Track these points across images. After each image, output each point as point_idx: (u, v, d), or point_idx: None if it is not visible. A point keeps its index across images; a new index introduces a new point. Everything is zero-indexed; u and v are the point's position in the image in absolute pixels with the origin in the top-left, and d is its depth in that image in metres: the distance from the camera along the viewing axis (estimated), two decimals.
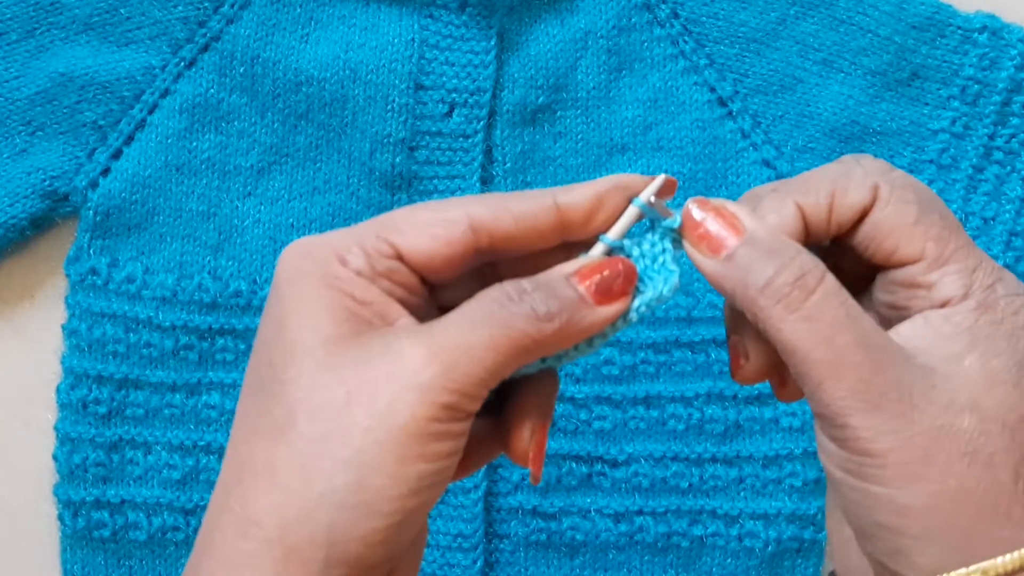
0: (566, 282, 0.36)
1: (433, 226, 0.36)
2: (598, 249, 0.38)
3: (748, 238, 0.37)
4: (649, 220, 0.38)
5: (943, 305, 0.37)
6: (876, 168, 0.38)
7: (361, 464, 0.33)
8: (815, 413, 0.36)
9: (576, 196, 0.38)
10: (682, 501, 0.64)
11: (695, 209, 0.38)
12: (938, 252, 0.37)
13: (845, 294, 0.36)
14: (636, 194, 0.38)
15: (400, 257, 0.36)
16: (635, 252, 0.38)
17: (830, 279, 0.36)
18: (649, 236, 0.38)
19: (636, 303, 0.37)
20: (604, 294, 0.36)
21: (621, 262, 0.37)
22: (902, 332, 0.37)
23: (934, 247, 0.37)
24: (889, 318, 0.39)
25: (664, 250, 0.38)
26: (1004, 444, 0.34)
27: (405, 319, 0.36)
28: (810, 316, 0.35)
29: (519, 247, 0.37)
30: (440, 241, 0.36)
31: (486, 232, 0.36)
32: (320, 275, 0.36)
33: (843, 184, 0.38)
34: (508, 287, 0.36)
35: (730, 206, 0.38)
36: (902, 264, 0.37)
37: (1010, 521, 0.34)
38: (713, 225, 0.37)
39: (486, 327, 0.35)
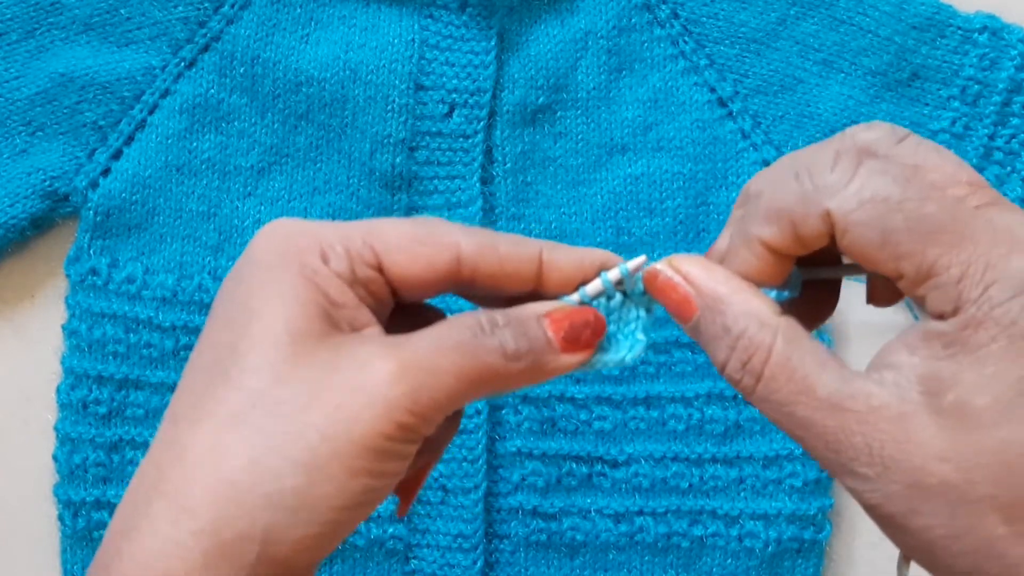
0: (537, 322, 0.36)
1: (421, 246, 0.36)
2: (574, 298, 0.38)
3: (701, 311, 0.37)
4: (624, 289, 0.38)
5: (942, 316, 0.33)
6: (835, 180, 0.35)
7: (313, 469, 0.32)
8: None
9: (561, 258, 0.37)
10: (682, 501, 0.64)
11: (648, 282, 0.38)
12: (914, 269, 0.33)
13: (797, 359, 0.34)
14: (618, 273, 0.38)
15: (380, 268, 0.36)
16: (609, 311, 0.38)
17: (777, 350, 0.35)
18: (624, 300, 0.38)
19: (596, 358, 0.38)
20: (571, 342, 0.36)
21: (593, 314, 0.37)
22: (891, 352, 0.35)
23: (908, 266, 0.33)
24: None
25: (637, 317, 0.39)
26: (987, 491, 0.32)
27: (374, 328, 0.36)
28: (764, 399, 0.35)
29: (496, 286, 0.37)
30: (423, 263, 0.36)
31: (470, 265, 0.36)
32: (299, 265, 0.35)
33: (799, 213, 0.35)
34: (482, 317, 0.35)
35: (685, 265, 0.37)
36: (893, 278, 0.35)
37: (1004, 563, 0.32)
38: (672, 297, 0.37)
39: (456, 354, 0.34)
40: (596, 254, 0.38)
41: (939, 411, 0.32)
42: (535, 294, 0.38)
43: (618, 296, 0.38)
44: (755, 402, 0.35)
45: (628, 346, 0.38)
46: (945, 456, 0.32)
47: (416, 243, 0.36)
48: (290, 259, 0.35)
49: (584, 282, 0.38)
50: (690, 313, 0.37)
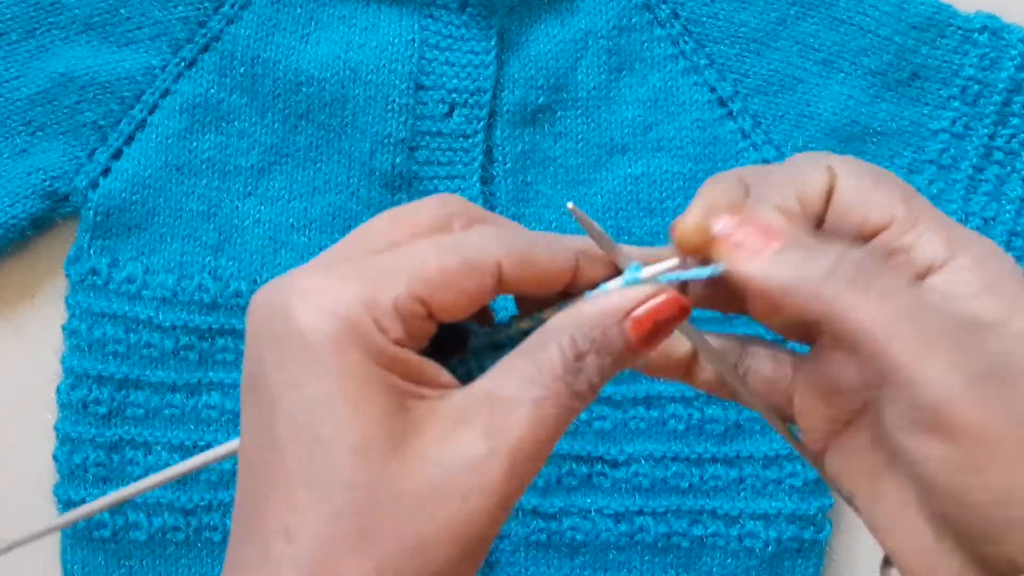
0: (619, 330, 0.34)
1: (464, 280, 0.33)
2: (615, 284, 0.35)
3: (791, 237, 0.34)
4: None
5: (928, 271, 0.33)
6: (821, 154, 0.37)
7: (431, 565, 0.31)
8: (898, 406, 0.32)
9: (598, 267, 0.36)
10: (682, 501, 0.64)
11: (727, 221, 0.35)
12: (906, 211, 0.34)
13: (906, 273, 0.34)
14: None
15: (430, 314, 0.33)
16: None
17: (881, 263, 0.33)
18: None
19: None
20: (649, 341, 0.34)
21: (678, 302, 0.34)
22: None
23: (901, 207, 0.34)
24: None
25: None
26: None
27: (444, 377, 0.33)
28: (887, 293, 0.32)
29: (530, 293, 0.36)
30: (467, 297, 0.33)
31: (511, 283, 0.34)
32: (361, 349, 0.31)
33: (800, 177, 0.36)
34: (569, 354, 0.33)
35: (756, 213, 0.35)
36: (875, 232, 0.35)
37: None
38: (750, 230, 0.34)
39: (553, 410, 0.33)
40: (632, 252, 0.36)
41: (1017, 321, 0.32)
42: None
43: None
44: (874, 299, 0.32)
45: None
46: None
47: (460, 278, 0.33)
48: (348, 343, 0.31)
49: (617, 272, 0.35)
50: (773, 244, 0.34)
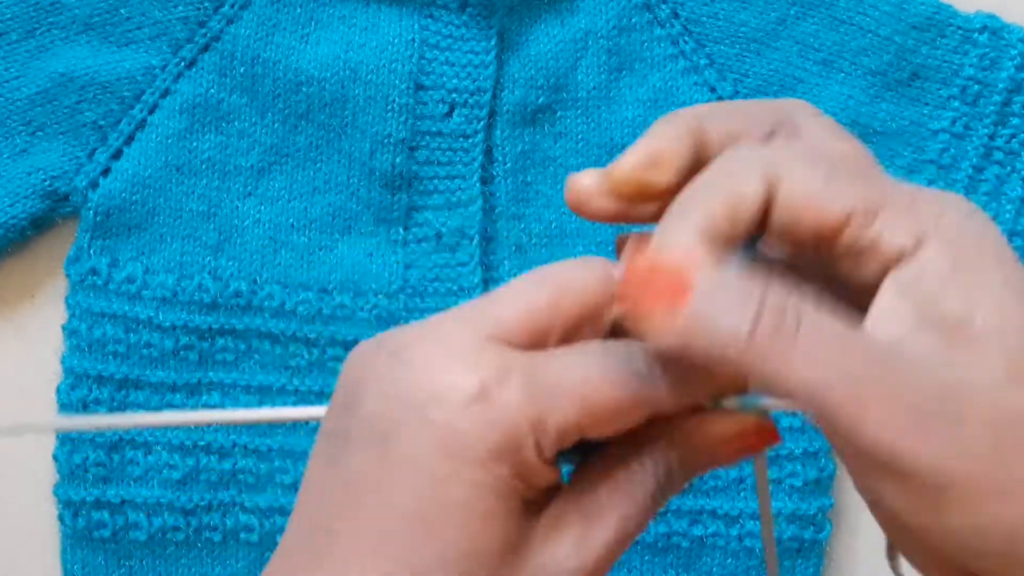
0: (711, 455, 0.33)
1: (630, 413, 0.32)
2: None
3: (705, 284, 0.30)
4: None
5: (899, 261, 0.31)
6: (757, 146, 0.33)
7: None
8: (858, 468, 0.31)
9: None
10: (682, 501, 0.64)
11: (631, 268, 0.31)
12: (865, 204, 0.31)
13: (826, 311, 0.30)
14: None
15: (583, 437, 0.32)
16: None
17: (807, 304, 0.30)
18: None
19: None
20: (731, 461, 0.34)
21: (772, 437, 0.33)
22: (880, 306, 0.31)
23: (858, 200, 0.31)
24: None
25: None
26: None
27: (557, 474, 0.33)
28: (815, 342, 0.29)
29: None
30: (625, 426, 0.32)
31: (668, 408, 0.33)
32: (515, 464, 0.31)
33: (732, 185, 0.32)
34: (662, 474, 0.33)
35: (669, 243, 0.31)
36: (835, 233, 0.31)
37: None
38: (655, 285, 0.30)
39: (638, 523, 0.33)
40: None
41: (983, 330, 0.30)
42: None
43: None
44: (801, 365, 0.30)
45: None
46: (1013, 377, 0.29)
47: (626, 415, 0.32)
48: (504, 459, 0.30)
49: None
50: (682, 300, 0.30)
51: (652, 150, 0.34)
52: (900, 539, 0.33)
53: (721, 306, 0.29)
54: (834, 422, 0.29)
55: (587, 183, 0.35)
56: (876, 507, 0.33)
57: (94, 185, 0.64)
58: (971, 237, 0.31)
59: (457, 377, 0.31)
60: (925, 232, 0.30)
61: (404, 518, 0.30)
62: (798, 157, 0.32)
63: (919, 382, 0.29)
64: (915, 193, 0.31)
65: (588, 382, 0.31)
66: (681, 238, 0.31)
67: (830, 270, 0.33)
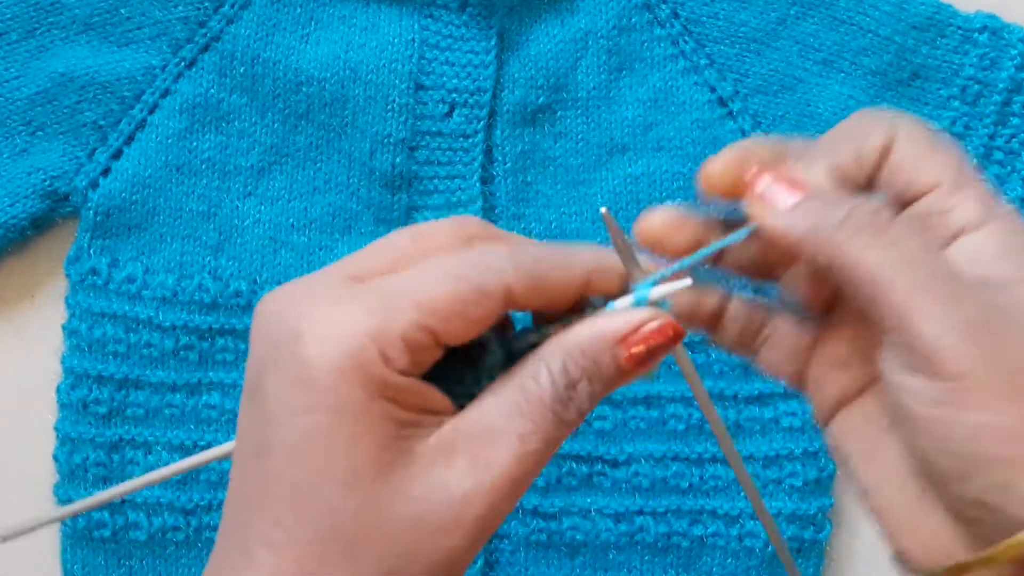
0: (611, 355, 0.34)
1: (474, 307, 0.33)
2: (627, 301, 0.35)
3: (814, 189, 0.36)
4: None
5: (961, 233, 0.35)
6: (883, 111, 0.38)
7: None
8: (892, 349, 0.34)
9: (611, 278, 0.36)
10: (682, 501, 0.64)
11: (756, 171, 0.36)
12: (954, 177, 0.35)
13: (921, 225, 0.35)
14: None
15: (437, 342, 0.33)
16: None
17: (904, 213, 0.35)
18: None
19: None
20: (641, 366, 0.34)
21: (672, 329, 0.34)
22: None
23: (951, 173, 0.35)
24: None
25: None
26: None
27: (442, 403, 0.34)
28: (894, 241, 0.33)
29: (541, 309, 0.36)
30: (478, 324, 0.33)
31: (520, 304, 0.34)
32: (365, 381, 0.31)
33: (859, 134, 0.37)
34: (560, 384, 0.33)
35: (790, 168, 0.37)
36: (919, 195, 0.36)
37: None
38: (775, 183, 0.36)
39: (539, 444, 0.33)
40: (651, 266, 0.36)
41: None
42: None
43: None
44: (881, 246, 0.34)
45: None
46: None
47: (470, 306, 0.33)
48: (352, 377, 0.31)
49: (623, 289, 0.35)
50: (794, 196, 0.36)
51: (741, 149, 0.38)
52: (912, 438, 0.35)
53: (828, 198, 0.35)
54: (890, 311, 0.33)
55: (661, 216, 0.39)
56: (897, 409, 0.35)
57: (94, 185, 0.64)
58: (1021, 233, 0.35)
59: (304, 310, 0.32)
60: (993, 216, 0.35)
61: (290, 468, 0.32)
62: (915, 123, 0.37)
63: (983, 297, 0.33)
64: (997, 195, 0.36)
65: (424, 284, 0.33)
66: (812, 168, 0.36)
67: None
